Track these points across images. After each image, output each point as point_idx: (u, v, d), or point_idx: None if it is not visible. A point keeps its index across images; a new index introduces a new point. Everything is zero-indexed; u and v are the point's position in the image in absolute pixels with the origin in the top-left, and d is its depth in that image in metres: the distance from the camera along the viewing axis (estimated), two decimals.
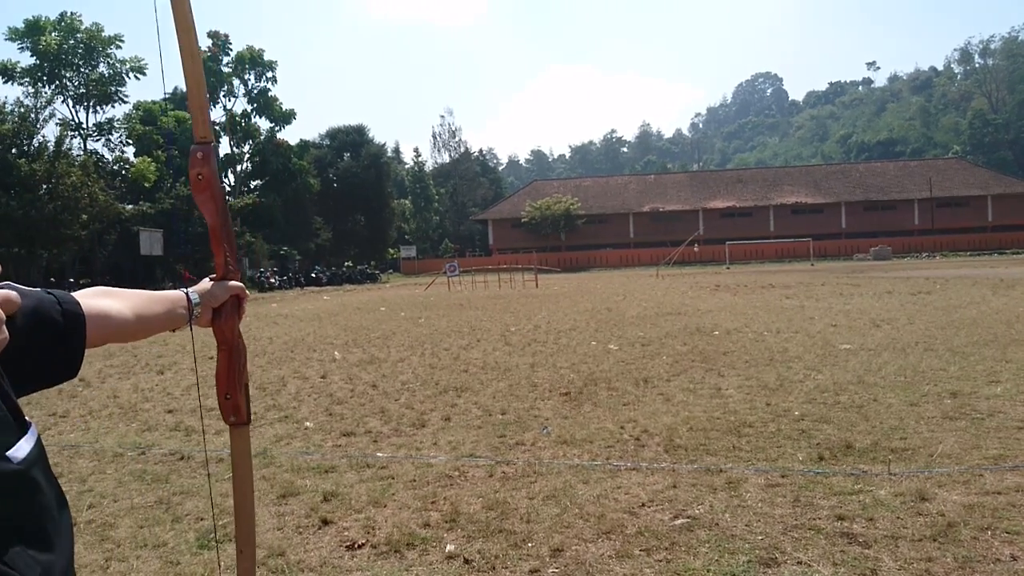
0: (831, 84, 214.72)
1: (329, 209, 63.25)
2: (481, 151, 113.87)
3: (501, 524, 4.22)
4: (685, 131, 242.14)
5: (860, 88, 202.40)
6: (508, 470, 5.28)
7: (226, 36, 54.42)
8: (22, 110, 34.49)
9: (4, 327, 0.84)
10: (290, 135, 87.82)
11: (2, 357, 0.85)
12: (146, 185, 41.70)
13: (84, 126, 42.63)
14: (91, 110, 42.88)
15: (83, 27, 40.81)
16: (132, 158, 44.62)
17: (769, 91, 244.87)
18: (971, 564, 3.43)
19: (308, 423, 7.08)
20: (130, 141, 45.59)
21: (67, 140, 36.60)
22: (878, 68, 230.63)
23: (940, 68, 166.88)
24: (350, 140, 68.10)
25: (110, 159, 43.55)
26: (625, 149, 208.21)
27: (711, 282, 31.39)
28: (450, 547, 3.93)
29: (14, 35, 39.70)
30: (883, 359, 9.15)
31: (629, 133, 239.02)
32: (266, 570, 3.76)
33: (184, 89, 1.52)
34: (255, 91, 55.47)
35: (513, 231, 73.45)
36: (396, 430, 6.66)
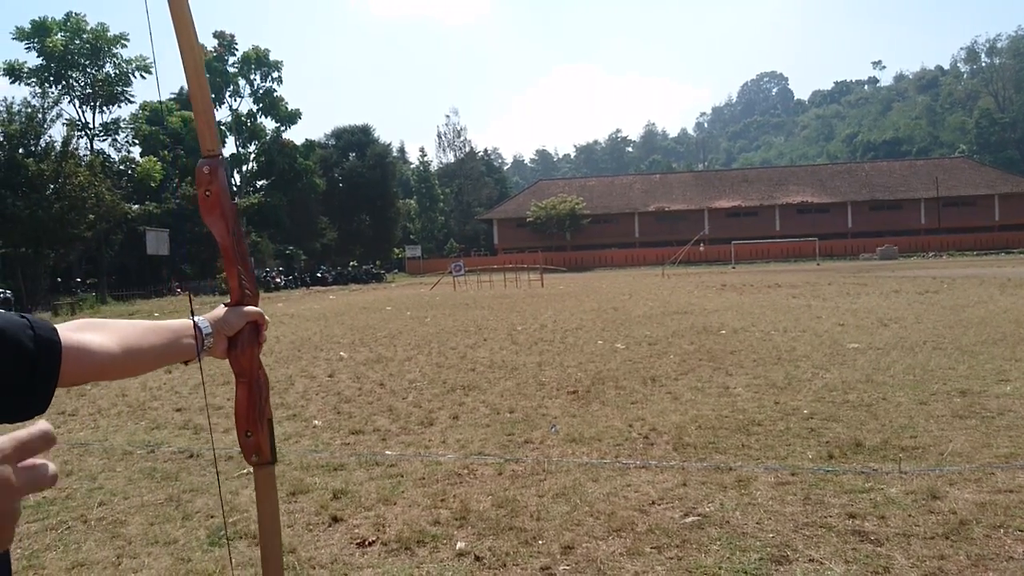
0: (836, 83, 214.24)
1: (334, 209, 63.33)
2: (486, 151, 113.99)
3: (511, 522, 4.22)
4: (690, 131, 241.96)
5: (866, 87, 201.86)
6: (517, 468, 5.28)
7: (232, 36, 54.59)
8: (29, 110, 34.59)
9: None
10: (295, 135, 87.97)
11: None
12: (152, 185, 41.82)
13: (91, 126, 42.76)
14: (97, 110, 43.02)
15: (89, 27, 40.93)
16: (138, 158, 44.76)
17: (774, 90, 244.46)
18: (984, 562, 3.42)
19: (316, 421, 7.09)
20: (136, 141, 45.73)
21: (74, 140, 36.71)
22: (884, 67, 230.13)
23: (947, 67, 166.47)
24: (355, 140, 68.21)
25: (116, 159, 43.67)
26: (630, 149, 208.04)
27: (717, 281, 31.34)
28: (460, 544, 3.93)
29: (21, 35, 39.84)
30: (891, 358, 9.13)
31: (634, 133, 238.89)
32: None
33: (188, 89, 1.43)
34: (260, 91, 55.61)
35: (518, 231, 73.45)
36: (404, 428, 6.67)
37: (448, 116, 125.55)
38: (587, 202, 72.68)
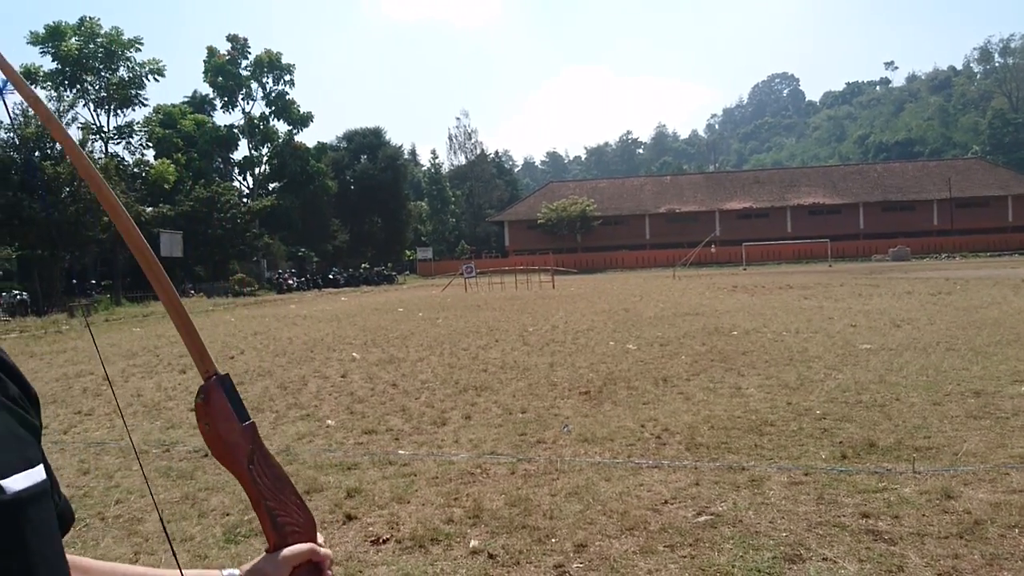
0: (848, 84, 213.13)
1: (346, 211, 63.52)
2: (497, 153, 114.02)
3: (524, 520, 4.24)
4: (701, 132, 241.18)
5: (878, 88, 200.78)
6: (530, 467, 5.30)
7: (245, 40, 54.87)
8: None
9: None
10: (307, 138, 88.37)
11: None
12: (166, 187, 42.07)
13: (105, 129, 43.08)
14: (111, 113, 43.34)
15: (103, 31, 41.25)
16: (152, 160, 45.04)
17: (785, 91, 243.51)
18: (998, 561, 3.41)
19: (330, 421, 7.13)
20: (150, 144, 46.05)
21: (89, 143, 36.97)
22: (896, 68, 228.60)
23: (959, 67, 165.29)
24: (367, 142, 68.37)
25: (130, 162, 43.96)
26: (641, 150, 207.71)
27: (728, 283, 31.26)
28: (474, 542, 3.95)
29: (36, 40, 40.18)
30: (904, 359, 9.09)
31: (645, 134, 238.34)
32: None
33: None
34: (273, 94, 55.87)
35: (529, 233, 73.44)
36: (417, 428, 6.70)
37: (459, 118, 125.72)
38: (598, 204, 72.58)
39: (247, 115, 55.66)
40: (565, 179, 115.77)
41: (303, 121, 56.84)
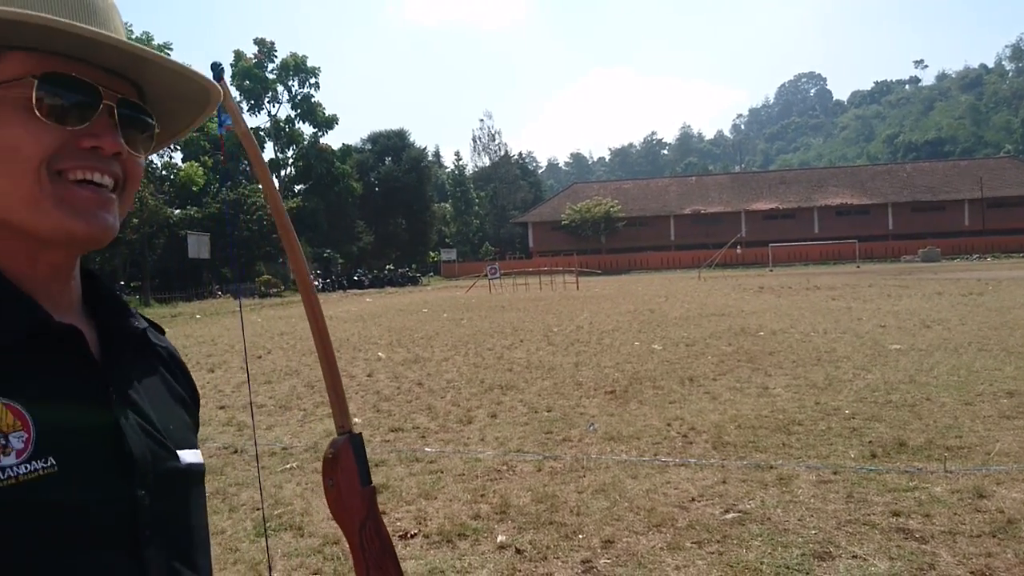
0: (877, 83, 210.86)
1: (371, 213, 63.89)
2: (520, 154, 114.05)
3: (551, 516, 4.25)
4: (727, 133, 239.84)
5: (907, 87, 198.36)
6: (556, 465, 5.31)
7: (271, 43, 55.41)
8: None
9: None
10: (333, 140, 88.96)
11: None
12: (194, 189, 42.63)
13: None
14: None
15: (133, 37, 41.91)
16: (180, 163, 45.66)
17: (812, 91, 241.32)
18: None
19: (357, 419, 7.18)
20: (178, 146, 46.66)
21: None
22: (926, 66, 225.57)
23: (991, 65, 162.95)
24: (391, 144, 68.71)
25: (159, 164, 44.60)
26: (665, 151, 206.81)
27: (754, 284, 31.02)
28: (501, 538, 3.97)
29: None
30: (935, 359, 8.98)
31: (669, 135, 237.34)
32: (322, 558, 3.84)
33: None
34: (299, 97, 56.34)
35: (553, 234, 73.35)
36: (443, 426, 6.73)
37: (483, 120, 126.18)
38: (622, 205, 72.33)
39: (273, 118, 56.18)
40: (589, 180, 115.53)
41: (328, 123, 57.26)
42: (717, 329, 13.35)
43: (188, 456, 0.82)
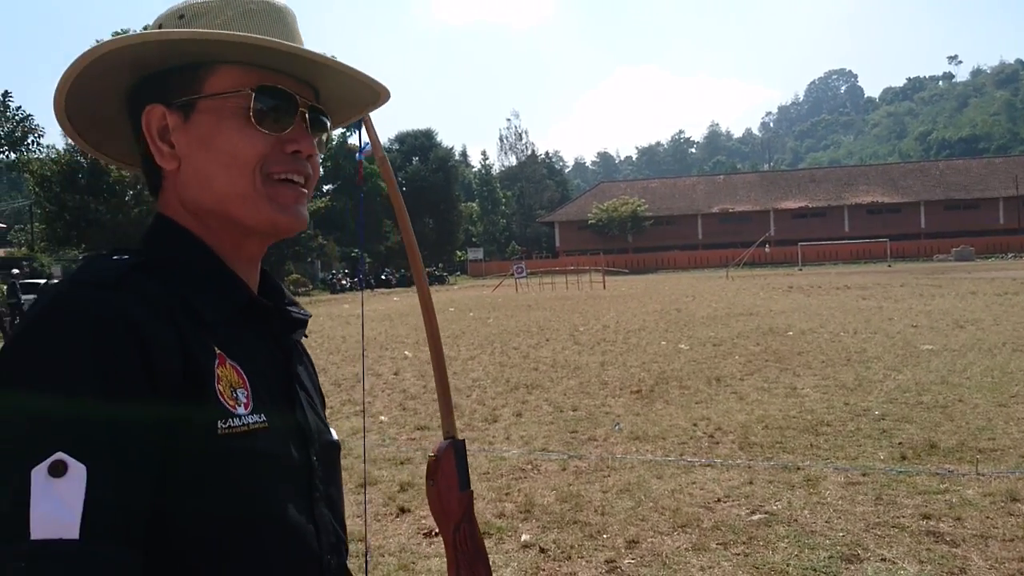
0: (909, 80, 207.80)
1: None
2: (547, 153, 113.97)
3: (575, 516, 4.25)
4: (755, 131, 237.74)
5: (940, 83, 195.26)
6: (581, 464, 5.30)
7: None
8: None
9: None
10: (361, 140, 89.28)
11: None
12: None
13: None
14: None
15: None
16: None
17: (843, 88, 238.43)
18: None
19: (383, 417, 7.23)
20: None
21: None
22: (960, 62, 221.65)
23: None
24: (418, 144, 69.02)
25: None
26: (693, 150, 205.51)
27: (783, 283, 30.70)
28: (525, 536, 3.97)
29: None
30: (968, 360, 8.83)
31: (697, 134, 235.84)
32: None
33: None
34: None
35: (580, 233, 73.17)
36: (468, 425, 6.75)
37: (510, 119, 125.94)
38: (649, 204, 71.95)
39: None
40: (616, 179, 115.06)
41: (357, 124, 57.69)
42: (745, 329, 13.24)
43: (334, 434, 0.97)
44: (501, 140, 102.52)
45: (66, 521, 0.60)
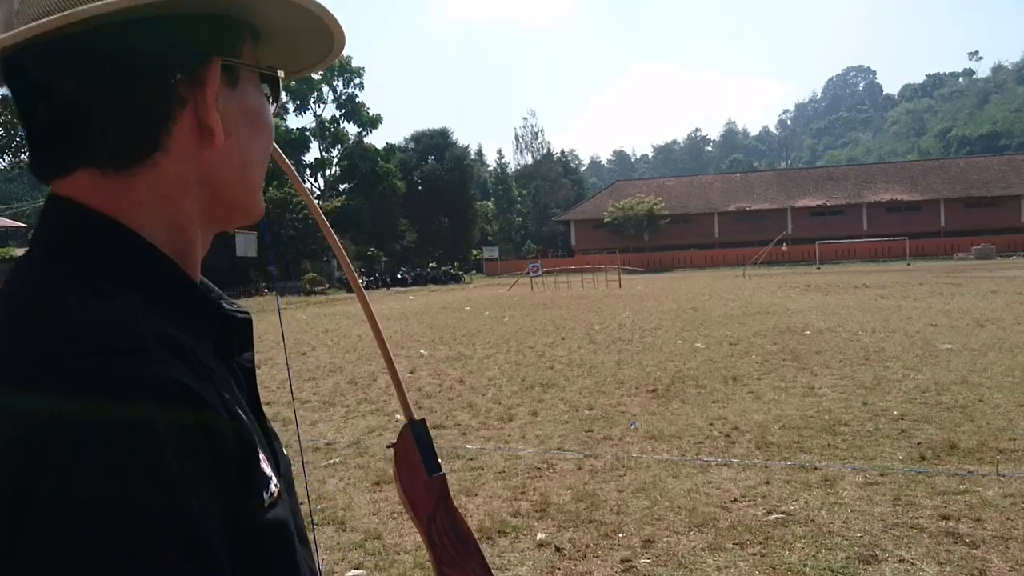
0: (928, 76, 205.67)
1: (414, 211, 64.36)
2: (563, 152, 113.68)
3: (591, 515, 4.24)
4: (772, 129, 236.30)
5: (960, 80, 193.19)
6: (596, 463, 5.29)
7: None
8: None
9: None
10: (376, 139, 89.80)
11: None
12: None
13: None
14: None
15: None
16: None
17: (861, 85, 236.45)
18: None
19: (399, 415, 7.25)
20: None
21: None
22: (981, 58, 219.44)
23: None
24: (434, 143, 69.15)
25: None
26: (709, 148, 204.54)
27: (801, 282, 30.50)
28: (541, 535, 3.97)
29: None
30: (989, 359, 8.73)
31: (714, 132, 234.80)
32: (363, 552, 3.88)
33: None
34: (343, 97, 57.05)
35: (595, 232, 73.03)
36: (484, 423, 6.76)
37: (525, 118, 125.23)
38: (665, 202, 71.70)
39: (318, 118, 56.98)
40: (632, 178, 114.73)
41: (372, 123, 57.87)
42: (762, 328, 13.16)
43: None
44: (517, 139, 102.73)
45: None
